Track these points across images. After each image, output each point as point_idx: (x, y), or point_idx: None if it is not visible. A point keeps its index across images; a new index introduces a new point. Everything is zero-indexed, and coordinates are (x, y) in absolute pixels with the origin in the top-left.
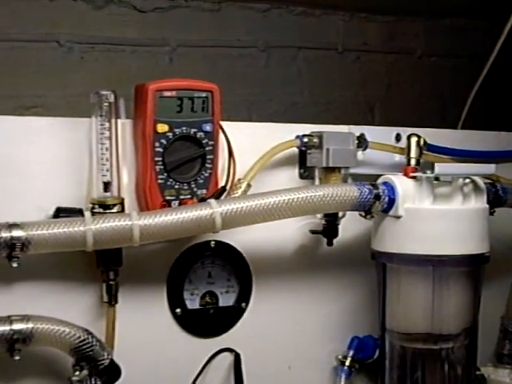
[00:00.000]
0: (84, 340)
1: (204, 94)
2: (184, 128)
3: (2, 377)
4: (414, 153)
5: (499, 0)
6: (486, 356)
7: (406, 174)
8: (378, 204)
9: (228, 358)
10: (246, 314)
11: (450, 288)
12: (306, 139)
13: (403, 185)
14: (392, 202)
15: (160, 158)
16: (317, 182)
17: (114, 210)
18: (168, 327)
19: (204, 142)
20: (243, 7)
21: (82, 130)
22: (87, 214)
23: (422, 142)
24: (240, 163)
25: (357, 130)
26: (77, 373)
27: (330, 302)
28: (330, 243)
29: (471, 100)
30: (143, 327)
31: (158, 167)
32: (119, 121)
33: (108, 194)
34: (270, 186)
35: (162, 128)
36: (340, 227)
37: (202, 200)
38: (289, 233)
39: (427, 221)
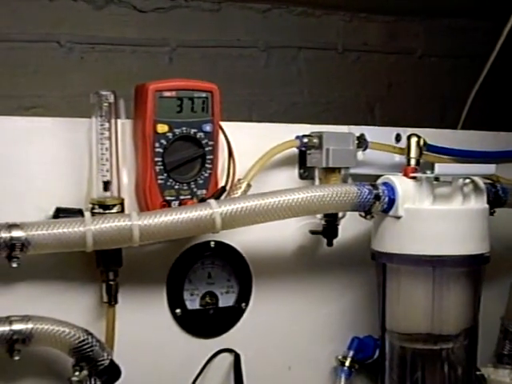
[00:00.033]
0: (84, 340)
1: (204, 95)
2: (184, 128)
3: (2, 377)
4: (413, 153)
5: (499, 0)
6: (486, 356)
7: (405, 175)
8: (378, 204)
9: (228, 358)
10: (245, 315)
11: (450, 288)
12: (305, 139)
13: (403, 185)
14: (392, 202)
15: (160, 159)
16: (317, 182)
17: (114, 210)
18: (168, 327)
19: (204, 142)
20: (243, 7)
21: (81, 130)
22: (87, 214)
23: (421, 143)
24: (240, 163)
25: (357, 130)
26: (76, 373)
27: (330, 302)
28: (329, 243)
29: (471, 100)
30: (143, 327)
31: (157, 167)
32: (119, 121)
33: (108, 193)
34: (270, 186)
35: (162, 128)
36: (340, 227)
37: (202, 200)
38: (289, 233)
39: (427, 221)
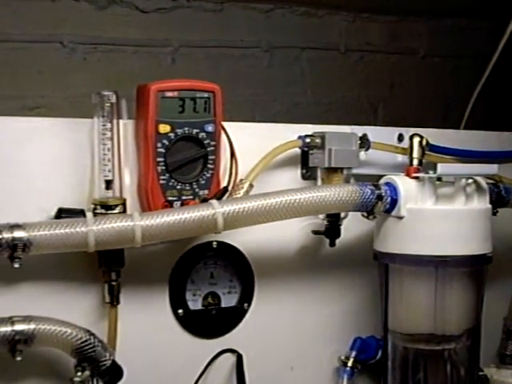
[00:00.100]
0: (86, 341)
1: (206, 95)
2: (186, 128)
3: (4, 377)
4: (416, 153)
5: (502, 0)
6: (488, 357)
7: (408, 175)
8: (381, 204)
9: (230, 358)
10: (248, 315)
11: (452, 288)
12: (308, 139)
13: (405, 185)
14: (394, 202)
15: (162, 159)
16: (319, 182)
17: (116, 210)
18: (170, 328)
19: (206, 142)
20: (246, 7)
21: (83, 130)
22: (89, 214)
23: (424, 143)
24: (242, 164)
25: (359, 130)
26: (79, 373)
27: (333, 302)
28: (332, 244)
29: (474, 100)
30: (145, 328)
31: (159, 168)
32: (121, 121)
33: (110, 193)
34: (273, 186)
35: (164, 128)
36: (342, 228)
37: (204, 200)
38: (291, 233)
39: (430, 221)
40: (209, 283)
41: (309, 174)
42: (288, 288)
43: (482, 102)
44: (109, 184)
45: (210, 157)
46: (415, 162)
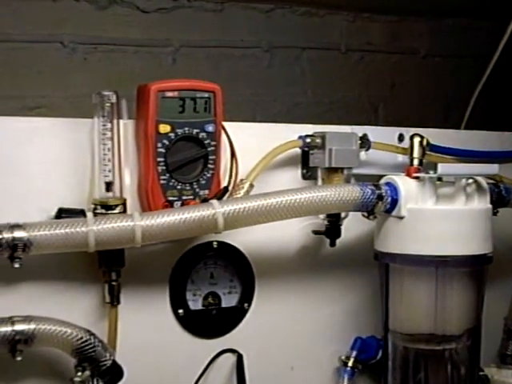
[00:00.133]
0: (86, 341)
1: (206, 95)
2: (186, 128)
3: (4, 378)
4: (416, 153)
5: (503, 0)
6: (489, 357)
7: (408, 175)
8: (381, 204)
9: (230, 358)
10: (248, 315)
11: (453, 288)
12: (308, 139)
13: (406, 185)
14: (395, 202)
15: (162, 159)
16: (319, 182)
17: (116, 210)
18: (170, 328)
19: (206, 142)
20: (246, 7)
21: (83, 130)
22: (89, 214)
23: (424, 142)
24: (242, 164)
25: (359, 130)
26: (79, 374)
27: (333, 302)
28: (332, 244)
29: (474, 100)
30: (145, 328)
31: (160, 168)
32: (121, 121)
33: (110, 194)
34: (273, 186)
35: (164, 128)
36: (343, 228)
37: (205, 200)
38: (291, 233)
39: (430, 221)
40: (209, 283)
41: (309, 173)
42: (288, 288)
43: (482, 101)
44: (109, 186)
45: (210, 157)
46: (416, 161)
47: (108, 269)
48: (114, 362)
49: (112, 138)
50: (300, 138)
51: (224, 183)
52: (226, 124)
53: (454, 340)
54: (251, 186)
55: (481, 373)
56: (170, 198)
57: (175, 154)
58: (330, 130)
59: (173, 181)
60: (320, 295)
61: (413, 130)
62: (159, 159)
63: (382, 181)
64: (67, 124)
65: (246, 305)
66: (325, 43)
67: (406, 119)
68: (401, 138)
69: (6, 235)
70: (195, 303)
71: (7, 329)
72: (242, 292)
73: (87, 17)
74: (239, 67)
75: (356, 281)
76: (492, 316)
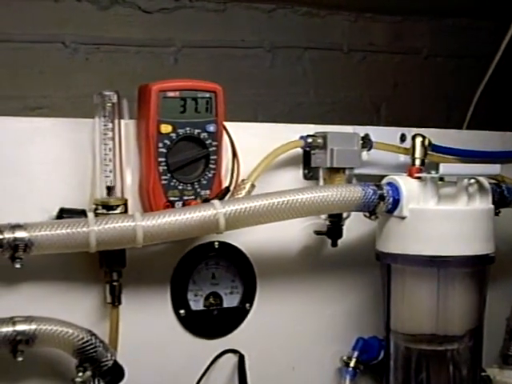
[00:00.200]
0: (87, 341)
1: (207, 95)
2: (187, 128)
3: (5, 378)
4: (418, 153)
5: (504, 0)
6: (491, 357)
7: (410, 175)
8: (383, 205)
9: (232, 359)
10: (250, 315)
11: (455, 289)
12: (310, 140)
13: (408, 185)
14: (396, 202)
15: (163, 159)
16: (321, 182)
17: (118, 210)
18: (172, 328)
19: (208, 142)
20: (248, 7)
21: (85, 130)
22: (90, 214)
23: (426, 143)
24: (244, 164)
25: (361, 130)
26: (80, 374)
27: (335, 302)
28: (334, 244)
29: (476, 100)
30: (147, 328)
31: (161, 168)
32: (122, 121)
33: (111, 194)
34: (274, 186)
35: (166, 128)
36: (344, 228)
37: (206, 201)
38: (293, 234)
39: (432, 221)
40: (210, 283)
41: (311, 174)
42: (290, 288)
43: (484, 101)
44: (110, 187)
45: (211, 157)
46: (417, 162)
47: (109, 269)
48: (115, 363)
49: (113, 138)
50: (301, 138)
51: (225, 183)
52: (227, 124)
53: (456, 340)
54: (253, 186)
55: (483, 373)
56: (172, 199)
57: (176, 154)
58: (331, 130)
59: (174, 181)
60: (322, 295)
61: (415, 130)
62: (160, 159)
63: (384, 181)
64: (68, 124)
65: (247, 305)
66: (327, 43)
67: (408, 119)
68: (403, 138)
69: (7, 235)
70: (197, 303)
71: (8, 329)
72: (244, 292)
73: (89, 17)
74: (241, 67)
75: (358, 281)
76: (494, 316)
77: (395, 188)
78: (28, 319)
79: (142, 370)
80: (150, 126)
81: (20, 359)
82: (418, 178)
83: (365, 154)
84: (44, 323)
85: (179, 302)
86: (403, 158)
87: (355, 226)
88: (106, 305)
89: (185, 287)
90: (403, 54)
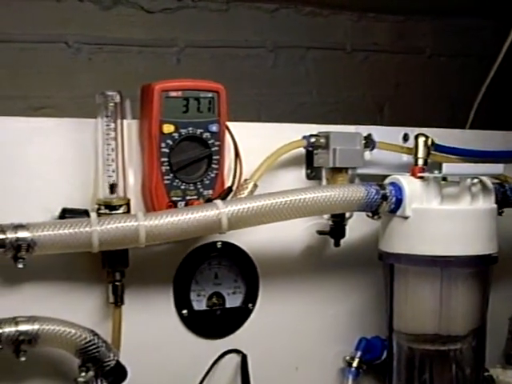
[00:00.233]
0: (90, 341)
1: (210, 95)
2: (190, 128)
3: (8, 378)
4: (421, 153)
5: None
6: (494, 357)
7: (413, 174)
8: (386, 204)
9: (235, 359)
10: (252, 315)
11: (457, 289)
12: (312, 139)
13: (411, 185)
14: (399, 202)
15: (166, 159)
16: (324, 182)
17: (120, 210)
18: (174, 328)
19: (210, 142)
20: (251, 7)
21: (87, 130)
22: (93, 214)
23: (429, 142)
24: (246, 163)
25: (364, 130)
26: (83, 374)
27: (338, 302)
28: (337, 244)
29: (479, 100)
30: (149, 328)
31: (164, 168)
32: (125, 121)
33: (114, 194)
34: (277, 186)
35: (168, 128)
36: (347, 228)
37: (209, 201)
38: (296, 233)
39: (435, 221)
40: (213, 283)
41: (313, 173)
42: (293, 288)
43: (487, 101)
44: (113, 188)
45: (214, 157)
46: (420, 161)
47: (112, 269)
48: (118, 363)
49: (116, 138)
50: (304, 137)
51: (228, 183)
52: (229, 124)
53: (459, 340)
54: (255, 186)
55: (486, 373)
56: (174, 198)
57: (179, 154)
58: (334, 130)
59: (177, 181)
60: (324, 295)
61: (418, 130)
62: (163, 159)
63: (387, 181)
64: (71, 124)
65: (250, 305)
66: (329, 43)
67: (411, 119)
68: (405, 137)
69: (10, 235)
70: (199, 303)
71: (11, 329)
72: (247, 292)
73: (92, 17)
74: (244, 67)
75: (360, 281)
76: (497, 316)
77: (398, 188)
78: (31, 319)
79: (144, 369)
80: (152, 126)
81: (23, 359)
82: (421, 177)
83: (367, 154)
84: (47, 323)
85: (182, 302)
86: (406, 158)
87: (358, 226)
88: (109, 305)
89: (187, 287)
90: (406, 54)
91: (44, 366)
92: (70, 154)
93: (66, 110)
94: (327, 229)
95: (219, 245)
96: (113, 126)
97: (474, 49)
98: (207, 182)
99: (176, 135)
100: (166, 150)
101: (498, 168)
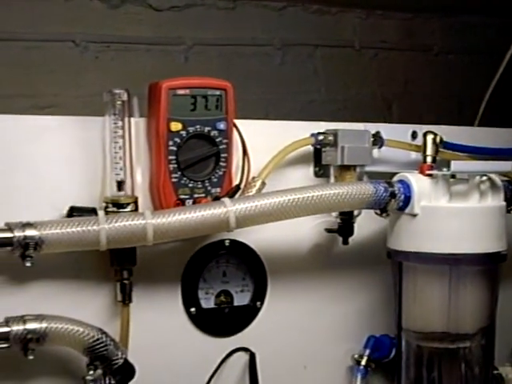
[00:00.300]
0: (98, 339)
1: (218, 92)
2: (198, 126)
3: (17, 376)
4: (430, 150)
5: None
6: (503, 355)
7: (421, 172)
8: (394, 202)
9: (243, 357)
10: (261, 313)
11: (466, 287)
12: (321, 137)
13: (419, 183)
14: (408, 200)
15: (174, 157)
16: (332, 180)
17: (128, 208)
18: (182, 326)
19: (218, 140)
20: (258, 5)
21: (95, 128)
22: (101, 213)
23: (438, 140)
24: (254, 161)
25: (372, 127)
26: (91, 372)
27: (346, 300)
28: (345, 242)
29: (488, 97)
30: (157, 326)
31: (171, 166)
32: (132, 119)
33: (121, 192)
34: (285, 184)
35: (176, 126)
36: (355, 226)
37: (216, 199)
38: (304, 231)
39: (443, 219)
40: (221, 281)
41: (321, 171)
42: (301, 286)
43: (496, 98)
44: (120, 185)
45: (222, 155)
46: (429, 159)
47: (120, 267)
48: (126, 361)
49: (123, 136)
50: (312, 135)
51: (236, 181)
52: (237, 122)
53: (468, 339)
54: (263, 183)
55: (495, 372)
56: (182, 196)
57: (187, 152)
58: (342, 128)
59: (184, 179)
60: (333, 293)
61: (426, 127)
62: (171, 157)
63: (395, 178)
64: (78, 122)
65: (258, 303)
66: (338, 41)
67: (420, 116)
68: (414, 135)
69: (18, 234)
70: (207, 302)
71: (19, 327)
72: (255, 290)
73: (99, 15)
74: (252, 65)
75: (369, 279)
76: (506, 314)
77: (406, 185)
78: (39, 317)
79: (152, 368)
80: (160, 124)
81: (31, 357)
82: (430, 175)
83: (376, 152)
84: (55, 321)
85: (190, 300)
86: (414, 156)
87: (366, 224)
88: (117, 303)
89: (195, 285)
90: (414, 51)
91: (52, 364)
92: (77, 152)
93: (73, 108)
94: (335, 227)
95: (227, 243)
96: (120, 124)
97: (481, 46)
98: (215, 180)
99: (184, 133)
100: (174, 148)
101: (506, 165)
